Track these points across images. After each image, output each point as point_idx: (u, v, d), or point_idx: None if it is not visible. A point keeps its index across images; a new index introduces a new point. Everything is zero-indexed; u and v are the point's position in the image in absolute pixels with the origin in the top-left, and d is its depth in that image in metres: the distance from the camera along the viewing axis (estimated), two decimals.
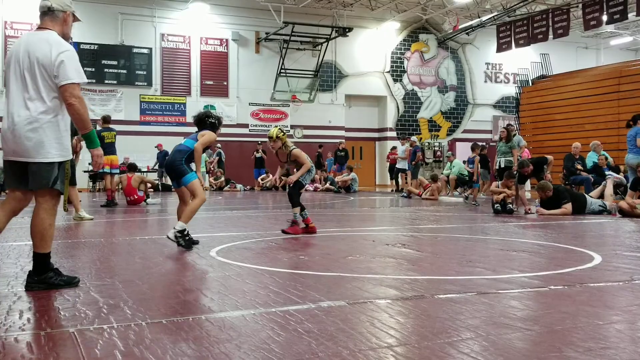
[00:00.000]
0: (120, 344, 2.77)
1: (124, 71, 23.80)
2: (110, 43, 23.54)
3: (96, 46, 23.26)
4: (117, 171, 13.35)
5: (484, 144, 20.99)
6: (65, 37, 4.06)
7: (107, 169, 12.87)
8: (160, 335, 2.92)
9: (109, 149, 12.73)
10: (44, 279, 3.96)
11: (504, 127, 14.40)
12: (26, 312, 3.39)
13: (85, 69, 22.46)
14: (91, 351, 2.66)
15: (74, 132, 9.75)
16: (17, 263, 5.13)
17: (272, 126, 7.56)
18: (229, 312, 3.39)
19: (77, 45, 22.90)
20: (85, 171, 21.19)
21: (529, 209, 10.93)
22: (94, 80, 23.26)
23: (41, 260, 3.97)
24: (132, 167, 14.40)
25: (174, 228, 5.97)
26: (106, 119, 13.43)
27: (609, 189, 12.35)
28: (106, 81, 23.52)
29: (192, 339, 2.87)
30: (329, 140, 25.79)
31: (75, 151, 12.72)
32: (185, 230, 5.92)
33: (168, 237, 5.98)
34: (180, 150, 6.26)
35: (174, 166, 6.18)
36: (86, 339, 2.86)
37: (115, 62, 23.66)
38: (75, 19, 4.21)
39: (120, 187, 14.06)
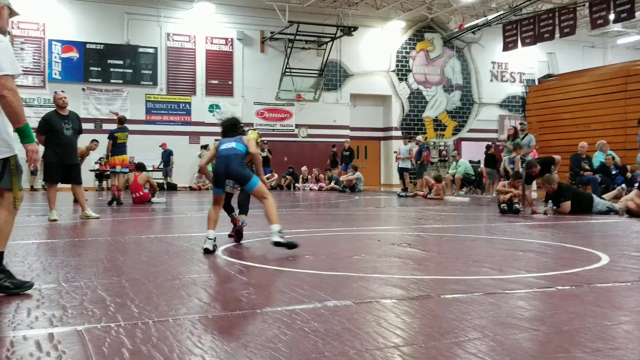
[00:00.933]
0: (127, 342, 2.78)
1: (130, 71, 23.84)
2: (116, 43, 23.58)
3: (102, 46, 23.30)
4: (127, 170, 13.74)
5: (491, 143, 20.97)
6: (1, 30, 3.93)
7: (118, 168, 13.19)
8: (167, 334, 2.93)
9: (121, 149, 13.33)
10: None
11: (511, 125, 14.35)
12: (34, 310, 3.40)
13: (91, 68, 23.08)
14: (99, 349, 2.67)
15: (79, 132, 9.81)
16: (24, 261, 5.14)
17: (254, 130, 7.01)
18: (235, 311, 3.40)
19: (83, 45, 22.99)
20: (91, 170, 21.26)
21: (536, 209, 10.90)
22: (100, 80, 23.34)
23: None
24: (140, 167, 14.51)
25: (275, 232, 5.60)
26: (122, 120, 13.97)
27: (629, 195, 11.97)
28: (112, 80, 23.56)
29: (199, 338, 2.87)
30: (333, 139, 25.77)
31: (82, 153, 12.86)
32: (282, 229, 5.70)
33: (276, 243, 5.58)
34: (237, 155, 5.85)
35: (240, 172, 5.82)
36: (94, 337, 2.87)
37: (121, 62, 23.70)
38: (13, 12, 4.05)
39: (127, 185, 14.14)
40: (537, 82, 25.07)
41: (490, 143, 20.87)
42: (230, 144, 5.94)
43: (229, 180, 5.89)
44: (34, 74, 22.47)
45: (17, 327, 3.04)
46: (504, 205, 10.85)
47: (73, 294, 3.84)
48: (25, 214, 10.77)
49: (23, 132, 3.82)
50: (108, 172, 13.23)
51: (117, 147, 13.18)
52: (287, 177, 23.35)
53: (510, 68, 30.11)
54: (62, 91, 9.87)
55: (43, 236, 7.33)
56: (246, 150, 5.93)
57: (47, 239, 7.00)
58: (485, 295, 3.83)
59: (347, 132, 27.07)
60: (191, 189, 22.88)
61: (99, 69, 23.32)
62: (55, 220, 8.98)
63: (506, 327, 3.07)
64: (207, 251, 5.60)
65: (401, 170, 19.90)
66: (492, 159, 18.34)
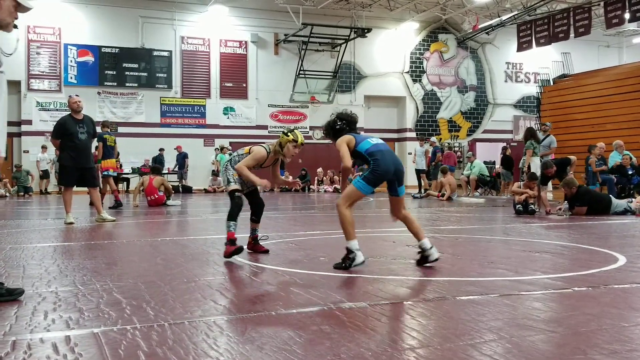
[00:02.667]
0: (143, 345, 2.79)
1: (145, 74, 24.00)
2: (131, 46, 23.75)
3: (117, 49, 23.47)
4: (115, 174, 13.77)
5: (507, 144, 20.86)
6: (2, 23, 3.57)
7: (111, 172, 13.18)
8: (183, 336, 2.94)
9: (110, 152, 13.27)
10: None
11: (528, 127, 14.21)
12: (51, 312, 3.43)
13: (106, 72, 23.24)
14: (115, 352, 2.69)
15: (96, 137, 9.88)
16: (41, 264, 5.19)
17: (290, 128, 6.08)
18: (249, 313, 3.41)
19: (98, 48, 23.18)
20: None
21: (550, 210, 10.82)
22: (115, 83, 23.52)
23: None
24: (155, 170, 14.58)
25: (427, 248, 5.00)
26: (105, 124, 13.98)
27: None
28: (127, 84, 23.73)
29: (214, 340, 2.88)
30: None
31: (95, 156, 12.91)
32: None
33: (434, 259, 4.99)
34: (391, 152, 5.21)
35: (402, 170, 5.21)
36: (110, 339, 2.89)
37: (136, 65, 23.86)
38: (21, 7, 3.63)
39: (142, 188, 14.22)
40: (552, 82, 24.87)
41: (506, 144, 20.76)
42: (378, 140, 5.22)
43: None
44: (50, 78, 22.69)
45: (34, 330, 3.07)
46: (519, 206, 10.78)
47: (89, 296, 3.87)
48: (41, 217, 10.88)
49: None
50: (105, 175, 13.22)
51: (107, 150, 13.11)
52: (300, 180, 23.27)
53: (525, 68, 29.93)
54: (77, 95, 9.93)
55: (59, 239, 7.40)
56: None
57: (63, 242, 7.06)
58: (501, 296, 3.80)
59: (361, 133, 27.01)
60: (206, 191, 22.98)
61: (114, 72, 23.50)
62: (71, 223, 9.04)
63: (522, 328, 3.05)
64: (358, 264, 4.83)
65: (418, 172, 19.87)
66: (508, 161, 18.22)
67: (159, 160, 22.16)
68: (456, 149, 24.48)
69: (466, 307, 3.52)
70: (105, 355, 2.64)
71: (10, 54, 20.91)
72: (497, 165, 19.65)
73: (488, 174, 18.79)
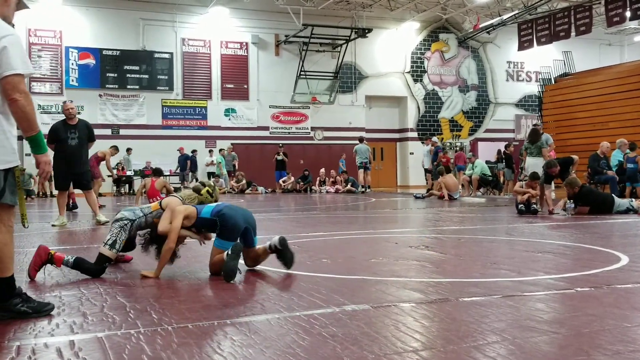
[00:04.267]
0: (147, 349, 2.80)
1: (146, 76, 24.04)
2: (132, 49, 23.78)
3: (118, 52, 23.51)
4: None
5: (509, 142, 20.83)
6: (7, 20, 3.40)
7: None
8: (187, 340, 2.95)
9: None
10: (7, 306, 3.35)
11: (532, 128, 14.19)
12: (55, 317, 3.44)
13: (107, 74, 23.25)
14: (119, 356, 2.70)
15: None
16: (44, 269, 5.19)
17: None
18: (253, 317, 3.41)
19: (99, 51, 23.22)
20: (109, 176, 21.40)
21: (553, 209, 10.81)
22: (116, 86, 23.55)
23: (1, 286, 3.33)
24: (157, 172, 14.58)
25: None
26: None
27: None
28: (128, 86, 23.76)
29: (218, 343, 2.89)
30: (349, 142, 25.79)
31: (102, 158, 12.88)
32: None
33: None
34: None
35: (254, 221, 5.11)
36: (114, 343, 2.90)
37: (137, 68, 23.90)
38: (21, 4, 3.55)
39: (144, 190, 14.22)
40: (553, 81, 24.84)
41: (509, 142, 20.73)
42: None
43: None
44: (51, 81, 22.73)
45: (38, 335, 3.08)
46: (521, 206, 10.77)
47: (93, 300, 3.88)
48: (43, 221, 10.89)
49: (34, 141, 3.38)
50: (124, 178, 13.10)
51: None
52: (301, 182, 23.20)
53: (526, 67, 29.92)
54: (71, 101, 9.96)
55: (61, 243, 7.41)
56: None
57: (65, 246, 7.07)
58: (503, 297, 3.81)
59: (362, 134, 27.04)
60: None
61: (116, 75, 23.54)
62: (64, 224, 9.22)
63: (525, 330, 3.05)
64: None
65: (426, 172, 19.92)
66: (508, 159, 18.21)
67: (192, 161, 22.35)
68: (458, 148, 24.46)
69: (469, 309, 3.53)
70: None
71: None
72: (500, 165, 19.62)
73: (490, 174, 18.77)
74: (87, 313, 3.53)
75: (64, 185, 9.62)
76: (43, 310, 3.43)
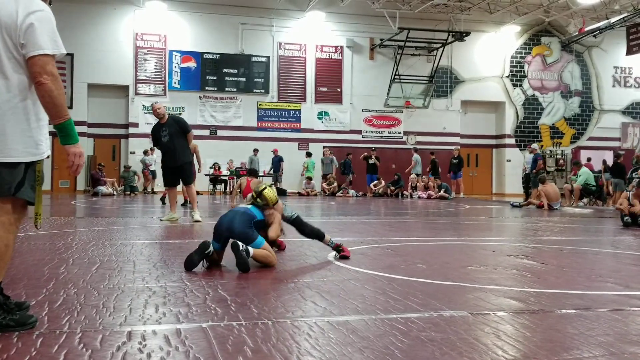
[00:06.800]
0: (249, 341, 2.89)
1: (243, 79, 24.72)
2: (231, 52, 24.52)
3: (218, 55, 24.32)
4: None
5: (620, 152, 19.83)
6: None
7: None
8: (286, 335, 3.01)
9: None
10: None
11: None
12: (161, 306, 3.61)
13: (207, 77, 24.09)
14: (223, 346, 2.80)
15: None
16: (149, 260, 5.46)
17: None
18: (350, 316, 3.43)
19: (200, 55, 24.11)
20: (206, 175, 22.17)
21: None
22: (215, 88, 24.36)
23: None
24: (252, 172, 14.97)
25: None
26: None
27: None
28: (227, 89, 24.51)
29: (316, 340, 2.93)
30: (443, 147, 25.40)
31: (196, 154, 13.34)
32: None
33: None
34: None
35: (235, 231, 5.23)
36: (218, 334, 3.01)
37: (235, 71, 24.63)
38: None
39: (240, 189, 14.63)
40: None
41: (620, 152, 19.74)
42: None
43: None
44: (155, 82, 23.83)
45: (147, 322, 3.24)
46: (627, 217, 10.21)
47: (196, 292, 4.03)
48: (147, 215, 11.43)
49: (64, 130, 2.94)
50: (221, 177, 13.51)
51: None
52: (392, 186, 23.05)
53: (635, 73, 28.36)
54: (156, 102, 10.56)
55: (164, 236, 7.74)
56: None
57: (167, 240, 7.38)
58: (610, 311, 3.63)
59: (457, 139, 26.56)
60: (300, 194, 23.32)
61: (215, 77, 24.35)
62: (173, 219, 9.67)
63: (635, 345, 2.90)
64: None
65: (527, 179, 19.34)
66: (620, 169, 17.27)
67: (275, 163, 22.95)
68: (559, 156, 23.47)
69: (573, 321, 3.39)
70: (214, 349, 2.75)
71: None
72: (607, 175, 18.66)
73: (594, 184, 17.87)
74: (191, 304, 3.67)
75: (168, 182, 10.13)
76: (26, 324, 3.02)
